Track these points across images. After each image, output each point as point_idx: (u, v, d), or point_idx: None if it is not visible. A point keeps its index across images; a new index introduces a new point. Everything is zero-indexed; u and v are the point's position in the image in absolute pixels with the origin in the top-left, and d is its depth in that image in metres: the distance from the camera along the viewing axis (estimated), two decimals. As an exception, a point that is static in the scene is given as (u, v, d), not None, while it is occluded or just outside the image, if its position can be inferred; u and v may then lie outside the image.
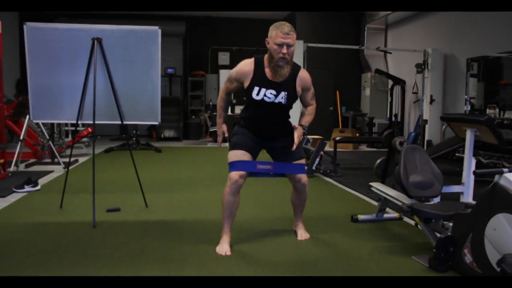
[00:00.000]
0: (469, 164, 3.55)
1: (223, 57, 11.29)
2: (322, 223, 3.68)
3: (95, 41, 3.72)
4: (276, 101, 2.94)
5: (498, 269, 2.13)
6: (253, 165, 3.01)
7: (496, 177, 2.28)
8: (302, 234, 3.27)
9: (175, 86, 11.21)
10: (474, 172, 2.40)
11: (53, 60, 3.80)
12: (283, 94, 2.94)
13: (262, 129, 3.05)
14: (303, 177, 3.12)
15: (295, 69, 2.97)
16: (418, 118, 9.19)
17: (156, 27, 3.84)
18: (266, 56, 2.94)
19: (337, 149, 6.35)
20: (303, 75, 3.01)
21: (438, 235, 2.81)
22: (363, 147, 9.82)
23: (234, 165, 2.95)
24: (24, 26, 3.77)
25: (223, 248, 2.95)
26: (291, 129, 3.03)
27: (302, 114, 3.16)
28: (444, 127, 8.09)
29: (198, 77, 11.29)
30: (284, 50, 2.80)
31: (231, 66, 10.22)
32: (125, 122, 3.91)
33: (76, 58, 3.79)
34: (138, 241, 3.16)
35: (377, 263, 2.80)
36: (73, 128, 8.78)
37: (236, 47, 11.14)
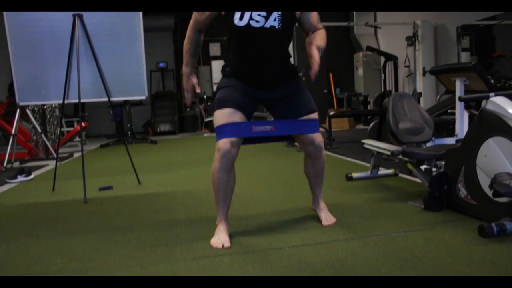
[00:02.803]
0: (461, 115, 3.51)
1: (214, 48, 11.21)
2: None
3: (76, 17, 3.68)
4: (267, 25, 2.17)
5: (490, 193, 2.08)
6: (247, 127, 2.22)
7: (483, 102, 2.23)
8: (327, 217, 2.50)
9: (168, 80, 11.14)
10: (460, 98, 2.35)
11: (36, 40, 3.76)
12: (275, 14, 2.16)
13: (254, 71, 2.24)
14: (317, 137, 2.35)
15: None
16: (412, 92, 9.13)
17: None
18: None
19: (334, 129, 6.42)
20: None
21: (432, 177, 2.75)
22: (360, 126, 9.77)
23: (222, 130, 2.20)
24: (5, 13, 3.73)
25: (220, 238, 2.24)
26: (294, 69, 2.38)
27: (312, 37, 2.25)
28: (438, 97, 8.04)
29: (190, 69, 11.19)
30: None
31: (223, 57, 10.06)
32: (112, 99, 3.87)
33: (58, 37, 3.76)
34: (128, 210, 3.12)
35: (372, 210, 2.75)
36: (65, 129, 8.75)
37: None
